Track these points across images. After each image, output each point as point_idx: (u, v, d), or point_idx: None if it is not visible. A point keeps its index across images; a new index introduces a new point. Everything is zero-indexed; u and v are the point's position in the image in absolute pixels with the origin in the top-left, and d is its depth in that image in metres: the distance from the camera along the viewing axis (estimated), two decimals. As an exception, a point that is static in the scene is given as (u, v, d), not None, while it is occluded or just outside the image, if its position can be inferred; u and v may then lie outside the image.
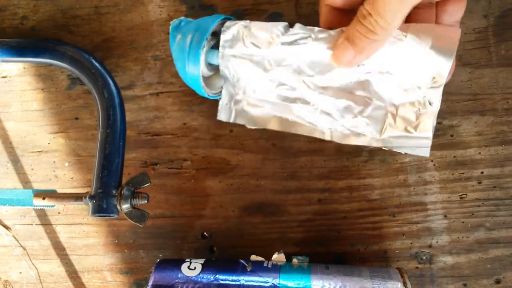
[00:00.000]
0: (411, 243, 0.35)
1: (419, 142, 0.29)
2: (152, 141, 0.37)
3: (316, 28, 0.30)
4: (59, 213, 0.38)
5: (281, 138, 0.36)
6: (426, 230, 0.35)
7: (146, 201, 0.33)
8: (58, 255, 0.38)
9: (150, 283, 0.31)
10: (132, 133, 0.37)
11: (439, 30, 0.28)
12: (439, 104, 0.28)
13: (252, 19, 0.36)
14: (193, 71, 0.30)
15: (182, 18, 0.32)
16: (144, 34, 0.37)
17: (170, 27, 0.31)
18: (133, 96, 0.37)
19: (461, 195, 0.34)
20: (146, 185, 0.33)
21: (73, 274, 0.38)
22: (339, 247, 0.36)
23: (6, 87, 0.38)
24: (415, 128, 0.29)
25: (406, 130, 0.29)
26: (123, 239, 0.38)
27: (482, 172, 0.34)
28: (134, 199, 0.32)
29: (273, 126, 0.32)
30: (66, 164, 0.38)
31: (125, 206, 0.32)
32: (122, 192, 0.32)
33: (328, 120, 0.31)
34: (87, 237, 0.38)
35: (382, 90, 0.30)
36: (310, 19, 0.36)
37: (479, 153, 0.34)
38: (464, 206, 0.34)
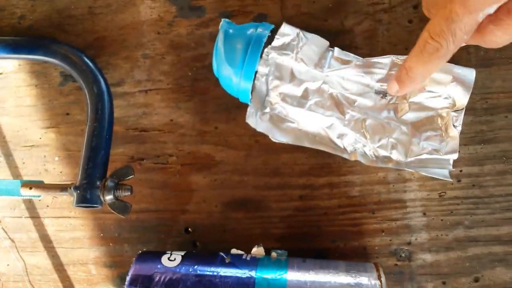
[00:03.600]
0: (390, 240, 0.35)
1: (442, 164, 0.32)
2: (139, 137, 0.38)
3: (356, 58, 0.34)
4: (47, 206, 0.39)
5: (264, 135, 0.37)
6: (405, 228, 0.35)
7: (129, 193, 0.33)
8: (45, 248, 0.39)
9: (130, 273, 0.32)
10: (121, 129, 0.38)
11: (457, 69, 0.33)
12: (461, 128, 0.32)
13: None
14: (246, 82, 0.33)
15: (228, 21, 0.34)
16: (135, 33, 0.39)
17: (221, 33, 0.33)
18: (123, 93, 0.39)
19: (440, 193, 0.35)
20: (130, 177, 0.33)
21: (59, 266, 0.39)
22: (320, 243, 0.36)
23: (1, 83, 0.40)
24: (441, 150, 0.32)
25: (431, 153, 0.32)
26: (108, 233, 0.38)
27: (461, 171, 0.35)
28: (118, 191, 0.33)
29: (295, 141, 0.34)
30: (56, 158, 0.39)
31: (109, 197, 0.33)
32: (106, 183, 0.33)
33: (354, 141, 0.33)
34: (74, 230, 0.39)
35: (406, 117, 0.33)
36: (295, 20, 0.37)
37: (458, 151, 0.35)
38: (443, 204, 0.35)
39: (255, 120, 0.34)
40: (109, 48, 0.39)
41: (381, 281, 0.30)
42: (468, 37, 0.25)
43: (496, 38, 0.26)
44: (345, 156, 0.34)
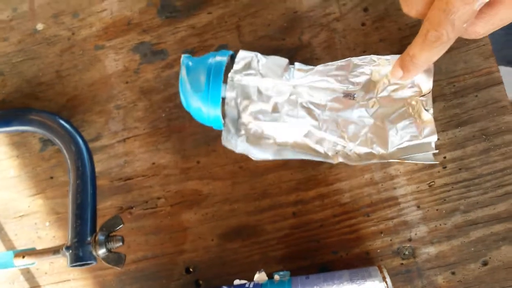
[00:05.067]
0: (391, 240, 0.35)
1: (424, 148, 0.32)
2: (125, 186, 0.38)
3: (319, 66, 0.35)
4: (45, 273, 0.39)
5: (246, 159, 0.37)
6: (402, 224, 0.35)
7: (121, 243, 0.33)
8: (49, 316, 0.38)
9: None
10: (105, 182, 0.39)
11: None
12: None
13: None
14: (215, 109, 0.33)
15: (187, 56, 0.35)
16: (104, 87, 0.40)
17: (183, 68, 0.34)
18: (102, 146, 0.39)
19: (429, 183, 0.35)
20: (120, 227, 0.33)
21: (66, 333, 0.38)
22: (322, 257, 0.35)
23: (-17, 160, 0.40)
24: (420, 135, 0.32)
25: (411, 139, 0.33)
26: (110, 288, 0.38)
27: (444, 157, 0.35)
28: (109, 243, 0.33)
29: (276, 156, 0.34)
30: (47, 223, 0.39)
31: (101, 251, 0.33)
32: (96, 238, 0.33)
33: (333, 144, 0.33)
34: (76, 292, 0.38)
35: (378, 113, 0.33)
36: (254, 45, 0.38)
37: (438, 139, 0.35)
38: (434, 193, 0.34)
39: (231, 143, 0.34)
40: (82, 106, 0.40)
41: (386, 283, 0.29)
42: (468, 25, 0.26)
43: (478, 29, 0.27)
44: (329, 160, 0.34)
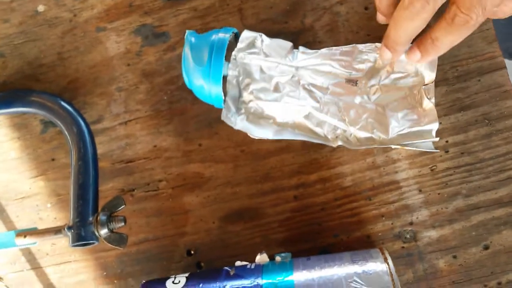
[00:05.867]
0: (392, 224, 0.35)
1: (425, 136, 0.32)
2: (126, 169, 0.38)
3: (323, 50, 0.34)
4: (47, 254, 0.39)
5: (249, 143, 0.37)
6: (404, 208, 0.35)
7: (123, 224, 0.33)
8: (51, 297, 0.38)
9: (135, 303, 0.31)
10: (107, 164, 0.39)
11: None
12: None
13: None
14: (216, 86, 0.33)
15: (191, 32, 0.35)
16: (106, 69, 0.39)
17: (186, 44, 0.34)
18: (103, 128, 0.39)
19: (431, 167, 0.35)
20: (122, 207, 0.33)
21: (67, 314, 0.38)
22: (323, 240, 0.35)
23: (-16, 141, 0.40)
24: (421, 123, 0.32)
25: (412, 126, 0.32)
26: (111, 270, 0.38)
27: (447, 141, 0.35)
28: (111, 223, 0.33)
29: (275, 135, 0.33)
30: (49, 205, 0.39)
31: (103, 231, 0.33)
32: (98, 218, 0.33)
33: (333, 127, 0.33)
34: (77, 274, 0.38)
35: (379, 101, 0.33)
36: (256, 28, 0.37)
37: (440, 123, 0.35)
38: (436, 177, 0.34)
39: (231, 120, 0.34)
40: (84, 88, 0.39)
41: (388, 264, 0.29)
42: (498, 9, 0.26)
43: (507, 9, 0.28)
44: (328, 143, 0.33)
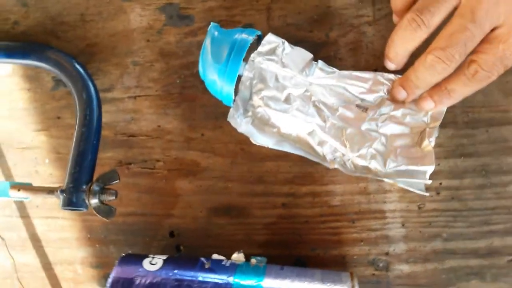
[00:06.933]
0: (369, 250, 0.36)
1: (419, 176, 0.33)
2: (127, 142, 0.39)
3: (342, 72, 0.35)
4: (37, 206, 0.40)
5: (250, 143, 0.37)
6: (384, 238, 0.36)
7: (114, 198, 0.34)
8: (34, 247, 0.40)
9: (111, 275, 0.33)
10: (109, 134, 0.39)
11: None
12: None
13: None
14: (229, 85, 0.33)
15: (216, 25, 0.35)
16: (125, 41, 0.39)
17: (208, 36, 0.34)
18: (112, 98, 0.39)
19: (419, 204, 0.35)
20: (115, 182, 0.34)
21: (47, 265, 0.40)
22: (300, 251, 0.37)
23: (-5, 86, 0.41)
24: (417, 163, 0.32)
25: (408, 164, 0.33)
26: (95, 234, 0.39)
27: (440, 183, 0.35)
28: (103, 195, 0.34)
29: (276, 145, 0.34)
30: (47, 160, 0.40)
31: (94, 201, 0.34)
32: (92, 187, 0.34)
33: (333, 149, 0.33)
34: (62, 230, 0.40)
35: (385, 131, 0.33)
36: (280, 31, 0.37)
37: (439, 164, 0.35)
38: (422, 215, 0.35)
39: (236, 121, 0.35)
40: (100, 54, 0.40)
41: (354, 291, 0.30)
42: None
43: None
44: (325, 164, 0.34)
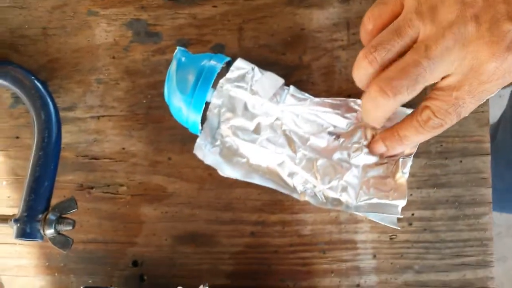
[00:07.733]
0: (339, 281, 0.35)
1: (390, 210, 0.31)
2: (89, 164, 0.37)
3: (311, 98, 0.33)
4: (-8, 232, 0.38)
5: (218, 168, 0.36)
6: (355, 269, 0.34)
7: (71, 227, 0.32)
8: (-12, 275, 0.38)
9: (66, 312, 0.31)
10: (70, 155, 0.37)
11: None
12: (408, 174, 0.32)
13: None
14: (195, 114, 0.32)
15: (183, 50, 0.33)
16: (89, 57, 0.37)
17: (174, 61, 0.32)
18: (74, 118, 0.37)
19: (391, 235, 0.34)
20: (73, 211, 0.32)
21: (2, 295, 0.38)
22: (269, 282, 0.35)
23: (-51, 102, 0.38)
24: (390, 196, 0.32)
25: (380, 197, 0.32)
26: (54, 262, 0.37)
27: (412, 214, 0.34)
28: (59, 225, 0.32)
29: (244, 177, 0.33)
30: (4, 183, 0.38)
31: (49, 232, 0.32)
32: (47, 217, 0.32)
33: (304, 180, 0.32)
34: (19, 257, 0.38)
35: (358, 161, 0.32)
36: (252, 52, 0.36)
37: (411, 194, 0.34)
38: (393, 247, 0.34)
39: (203, 153, 0.33)
40: (62, 71, 0.37)
41: (321, 331, 0.29)
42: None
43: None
44: (295, 195, 0.33)
